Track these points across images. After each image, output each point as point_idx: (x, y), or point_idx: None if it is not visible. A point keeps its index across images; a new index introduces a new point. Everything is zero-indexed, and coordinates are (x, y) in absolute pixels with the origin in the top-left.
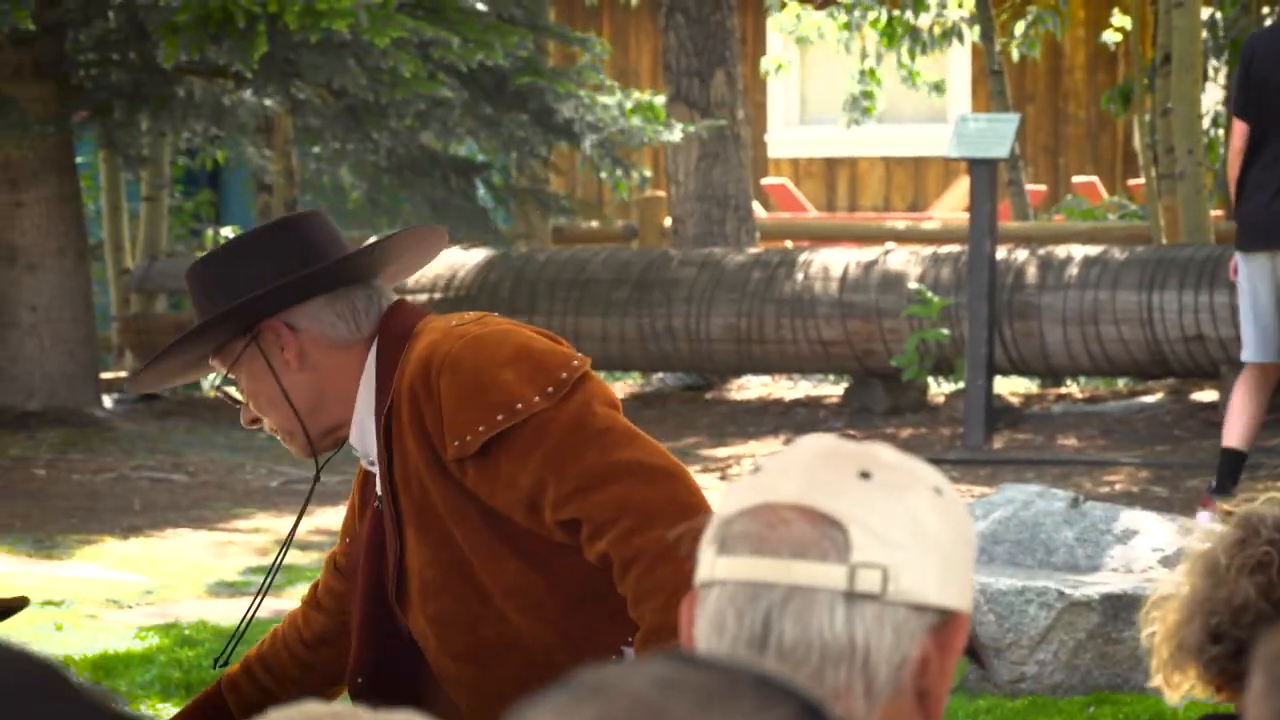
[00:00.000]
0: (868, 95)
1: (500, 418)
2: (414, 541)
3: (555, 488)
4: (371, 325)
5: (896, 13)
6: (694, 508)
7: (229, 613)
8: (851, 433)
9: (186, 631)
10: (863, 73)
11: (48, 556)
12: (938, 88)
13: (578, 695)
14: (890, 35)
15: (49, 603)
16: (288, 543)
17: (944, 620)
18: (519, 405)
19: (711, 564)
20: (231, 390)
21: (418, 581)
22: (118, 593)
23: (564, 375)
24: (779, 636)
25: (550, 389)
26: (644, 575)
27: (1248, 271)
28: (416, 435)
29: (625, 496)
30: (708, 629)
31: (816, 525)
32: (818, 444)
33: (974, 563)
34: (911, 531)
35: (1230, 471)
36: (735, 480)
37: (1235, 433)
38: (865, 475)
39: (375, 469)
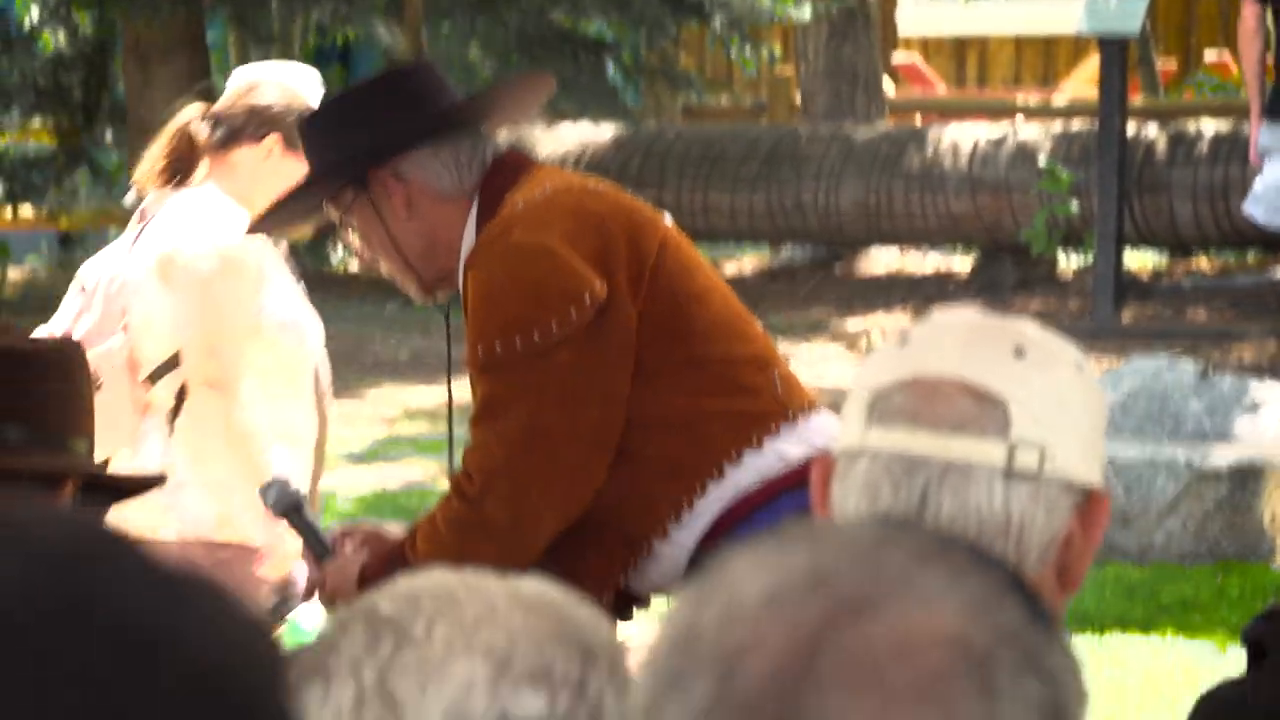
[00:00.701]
0: None
1: (481, 352)
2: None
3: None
4: (475, 177)
5: None
6: (526, 490)
7: (358, 482)
8: (982, 307)
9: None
10: None
11: None
12: None
13: (787, 543)
14: None
15: None
16: (450, 410)
17: (1087, 498)
18: (497, 347)
19: (861, 433)
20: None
21: None
22: None
23: (555, 325)
24: (936, 510)
25: (536, 338)
26: (441, 504)
27: None
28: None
29: (487, 454)
30: (858, 497)
31: (977, 401)
32: (965, 318)
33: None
34: (1062, 410)
35: None
36: (880, 350)
37: None
38: (1019, 352)
39: None
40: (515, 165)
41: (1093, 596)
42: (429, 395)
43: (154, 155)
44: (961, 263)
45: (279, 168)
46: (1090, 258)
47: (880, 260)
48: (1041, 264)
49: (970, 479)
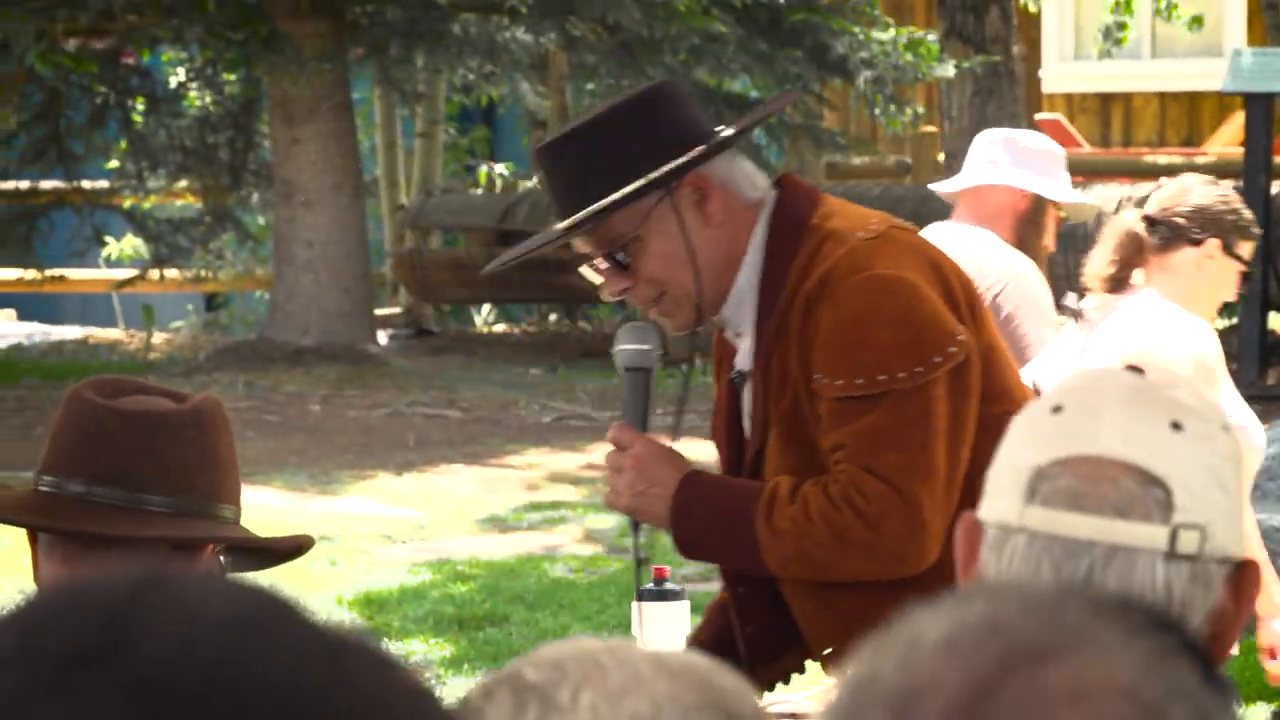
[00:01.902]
0: (1121, 26)
1: (860, 382)
2: (777, 444)
3: (846, 442)
4: (762, 189)
5: None
6: (904, 535)
7: (500, 549)
8: None
9: (459, 567)
10: (1116, 3)
11: (322, 492)
12: (1195, 21)
13: (967, 596)
14: None
15: (323, 538)
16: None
17: (1239, 568)
18: (881, 377)
19: (1019, 511)
20: (589, 271)
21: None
22: (391, 528)
23: (936, 359)
24: (1099, 591)
25: (919, 369)
26: (817, 500)
27: None
28: (800, 343)
29: (884, 483)
30: (1018, 574)
31: (1140, 483)
32: (1117, 381)
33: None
34: (1219, 487)
35: None
36: (1032, 416)
37: None
38: (1177, 426)
39: (741, 342)
40: (798, 186)
41: (1237, 663)
42: (572, 460)
43: (1101, 258)
44: None
45: (1218, 270)
46: (1235, 319)
47: None
48: None
49: (1134, 563)
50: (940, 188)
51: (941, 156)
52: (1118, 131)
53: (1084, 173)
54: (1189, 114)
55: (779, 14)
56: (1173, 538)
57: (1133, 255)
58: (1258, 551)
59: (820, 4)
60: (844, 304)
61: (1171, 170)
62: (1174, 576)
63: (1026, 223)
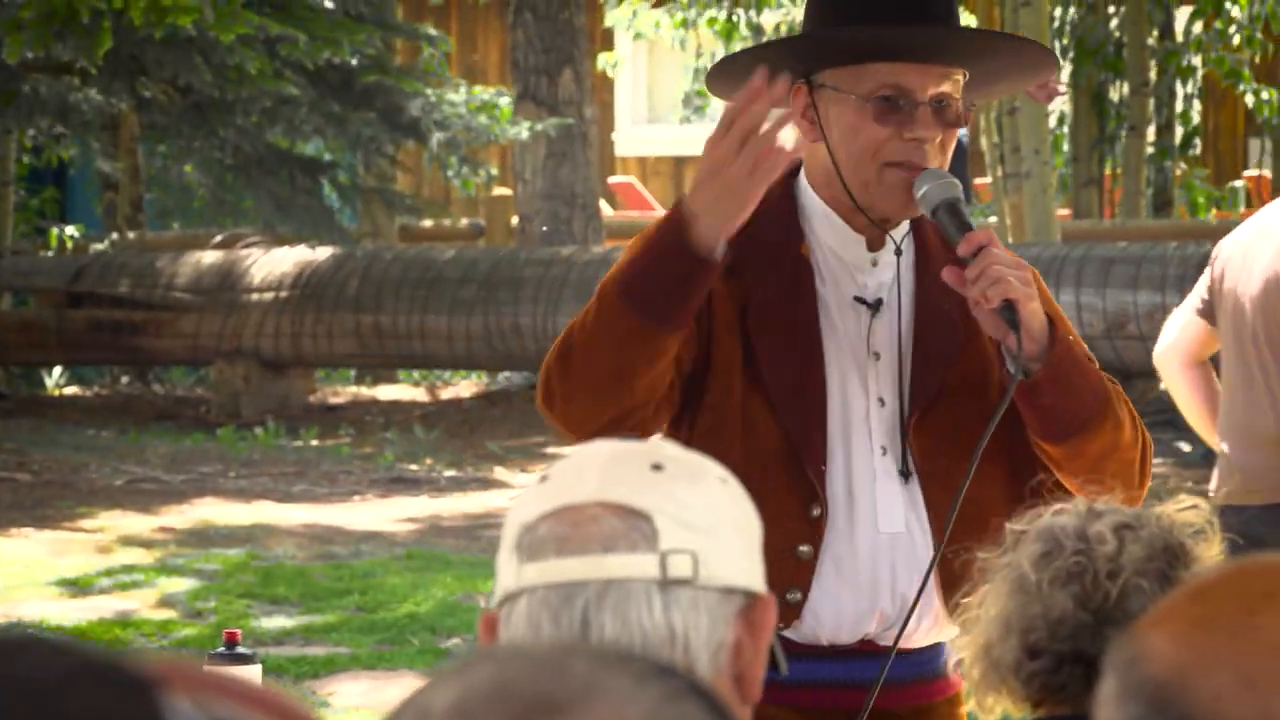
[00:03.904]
0: (700, 94)
1: None
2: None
3: None
4: None
5: (739, 12)
6: None
7: (73, 613)
8: None
9: (29, 631)
10: (697, 70)
11: None
12: None
13: (473, 663)
14: (729, 34)
15: None
16: None
17: (751, 602)
18: None
19: (517, 574)
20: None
21: None
22: None
23: None
24: (599, 632)
25: None
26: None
27: None
28: None
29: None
30: (522, 636)
31: (623, 518)
32: (602, 446)
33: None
34: (711, 517)
35: None
36: (524, 490)
37: None
38: (658, 467)
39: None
40: None
41: None
42: (144, 523)
43: None
44: None
45: None
46: None
47: None
48: None
49: (628, 595)
50: None
51: (515, 219)
52: None
53: None
54: None
55: (351, 76)
56: (663, 564)
57: None
58: None
59: (392, 66)
60: None
61: None
62: (672, 606)
63: None
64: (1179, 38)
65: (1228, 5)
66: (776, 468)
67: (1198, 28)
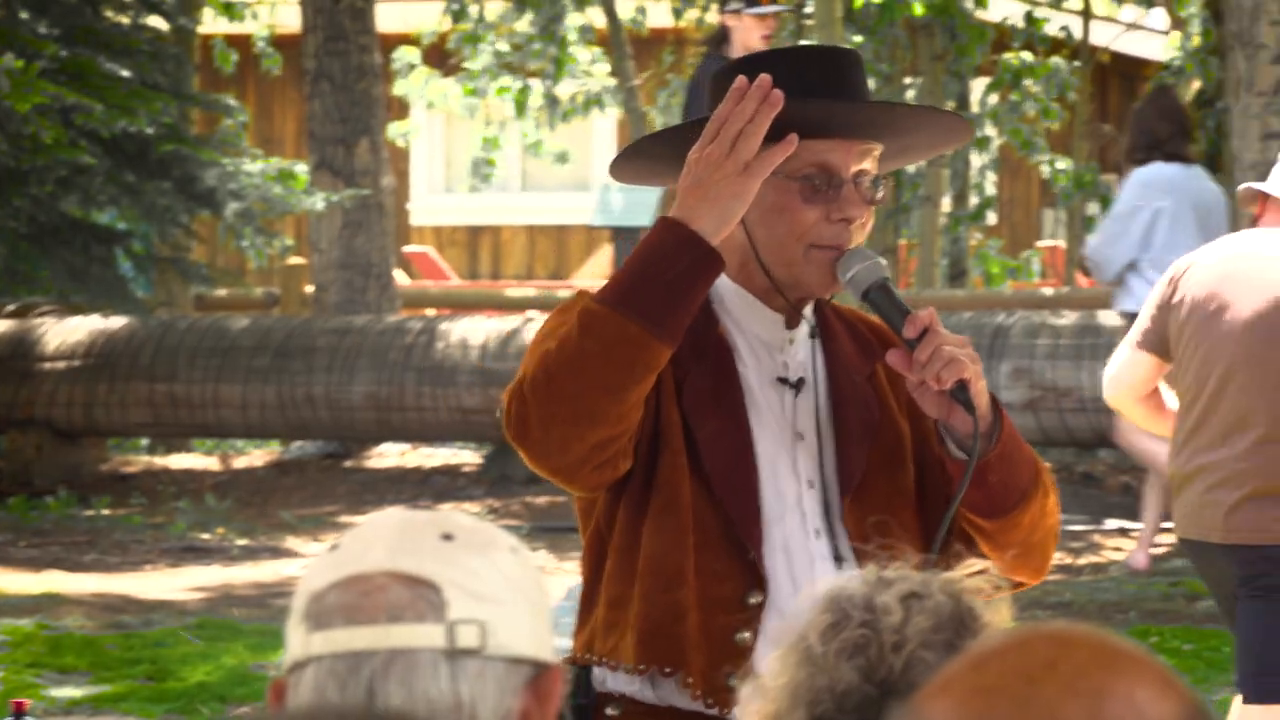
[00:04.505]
0: (489, 162)
1: None
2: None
3: None
4: None
5: (535, 82)
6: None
7: None
8: (492, 501)
9: None
10: (485, 140)
11: None
12: (561, 158)
13: None
14: (521, 104)
15: None
16: None
17: (539, 672)
18: None
19: (304, 643)
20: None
21: None
22: None
23: None
24: (385, 701)
25: None
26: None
27: None
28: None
29: None
30: (310, 705)
31: (410, 587)
32: (392, 515)
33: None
34: (501, 587)
35: None
36: (314, 560)
37: None
38: (448, 537)
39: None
40: None
41: None
42: None
43: None
44: (473, 457)
45: None
46: None
47: (392, 454)
48: None
49: (415, 665)
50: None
51: (310, 288)
52: (486, 264)
53: (451, 305)
54: (558, 247)
55: (147, 145)
56: (451, 634)
57: None
58: None
59: (189, 135)
60: None
61: (538, 303)
62: (459, 675)
63: None
64: (975, 108)
65: (1024, 80)
66: (721, 550)
67: (994, 99)
